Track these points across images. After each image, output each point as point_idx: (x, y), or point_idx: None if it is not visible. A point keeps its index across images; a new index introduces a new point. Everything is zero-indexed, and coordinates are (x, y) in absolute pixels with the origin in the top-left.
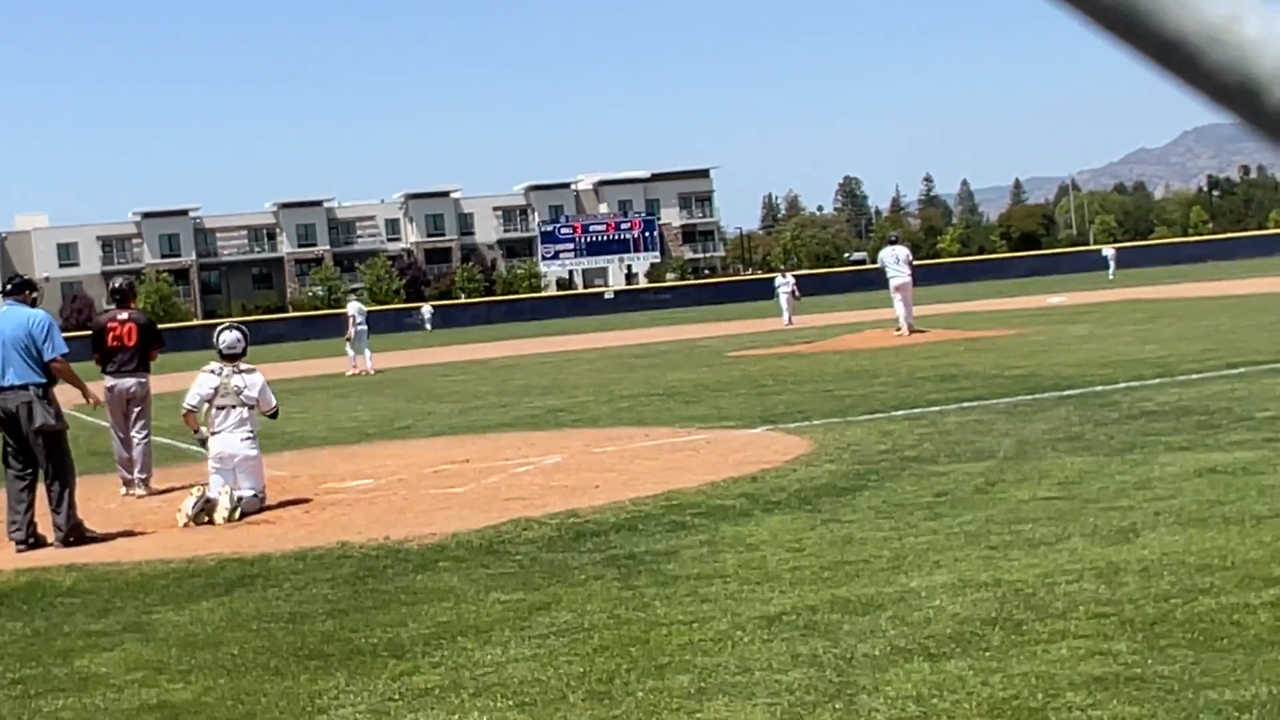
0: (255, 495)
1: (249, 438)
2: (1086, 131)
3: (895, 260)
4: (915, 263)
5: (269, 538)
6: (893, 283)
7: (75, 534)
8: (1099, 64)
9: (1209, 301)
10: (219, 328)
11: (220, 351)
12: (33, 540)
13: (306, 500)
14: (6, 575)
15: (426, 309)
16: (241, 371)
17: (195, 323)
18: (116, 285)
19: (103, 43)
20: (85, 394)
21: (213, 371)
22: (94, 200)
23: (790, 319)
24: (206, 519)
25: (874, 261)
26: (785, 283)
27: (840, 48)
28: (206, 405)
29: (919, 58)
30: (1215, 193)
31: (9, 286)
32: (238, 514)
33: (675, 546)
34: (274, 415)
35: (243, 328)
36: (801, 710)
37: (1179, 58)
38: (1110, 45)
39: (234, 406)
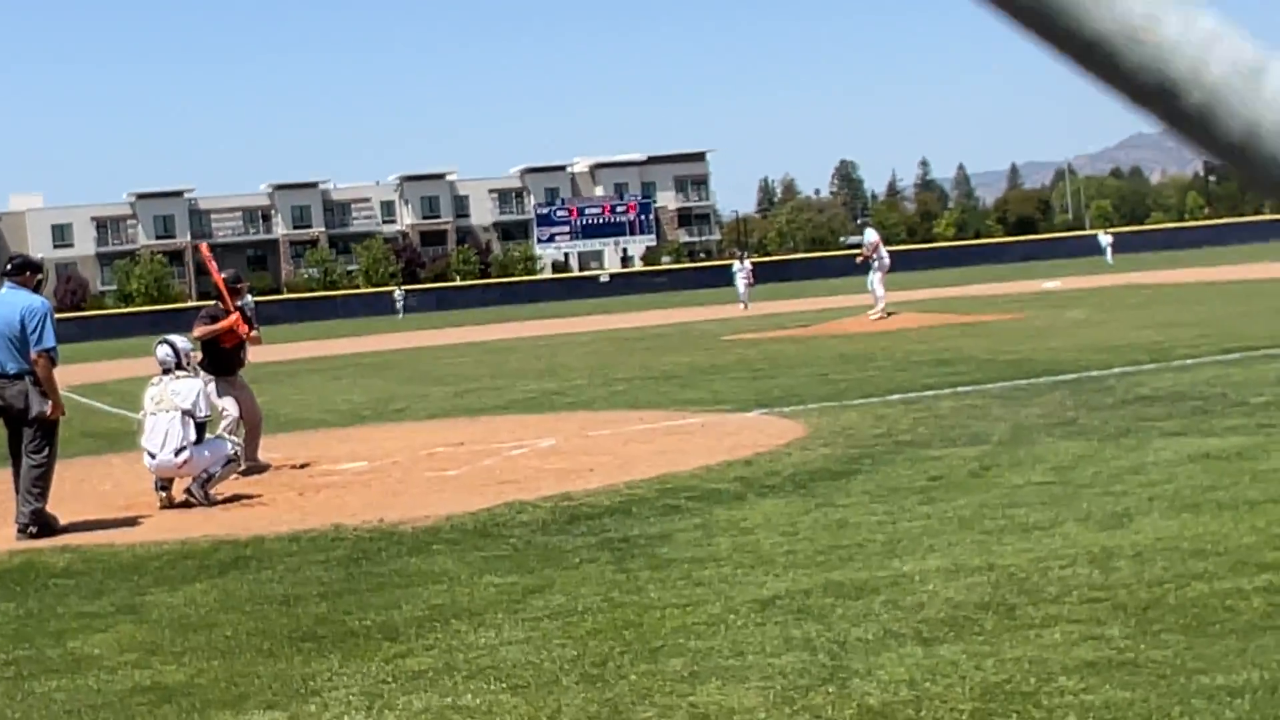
0: (213, 474)
1: (182, 448)
2: (1083, 116)
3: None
4: (912, 247)
5: (263, 520)
6: (886, 265)
7: (39, 522)
8: None
9: (1205, 287)
10: (156, 341)
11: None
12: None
13: (301, 483)
14: (0, 556)
15: (398, 293)
16: (180, 378)
17: (189, 304)
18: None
19: (98, 22)
20: (55, 403)
21: (153, 384)
22: (89, 181)
23: (746, 304)
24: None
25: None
26: (742, 268)
27: (837, 30)
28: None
29: (916, 40)
30: (1212, 178)
31: (9, 267)
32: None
33: (669, 530)
34: (202, 427)
35: (172, 341)
36: (794, 694)
37: (1099, 58)
38: (1031, 44)
39: (168, 411)
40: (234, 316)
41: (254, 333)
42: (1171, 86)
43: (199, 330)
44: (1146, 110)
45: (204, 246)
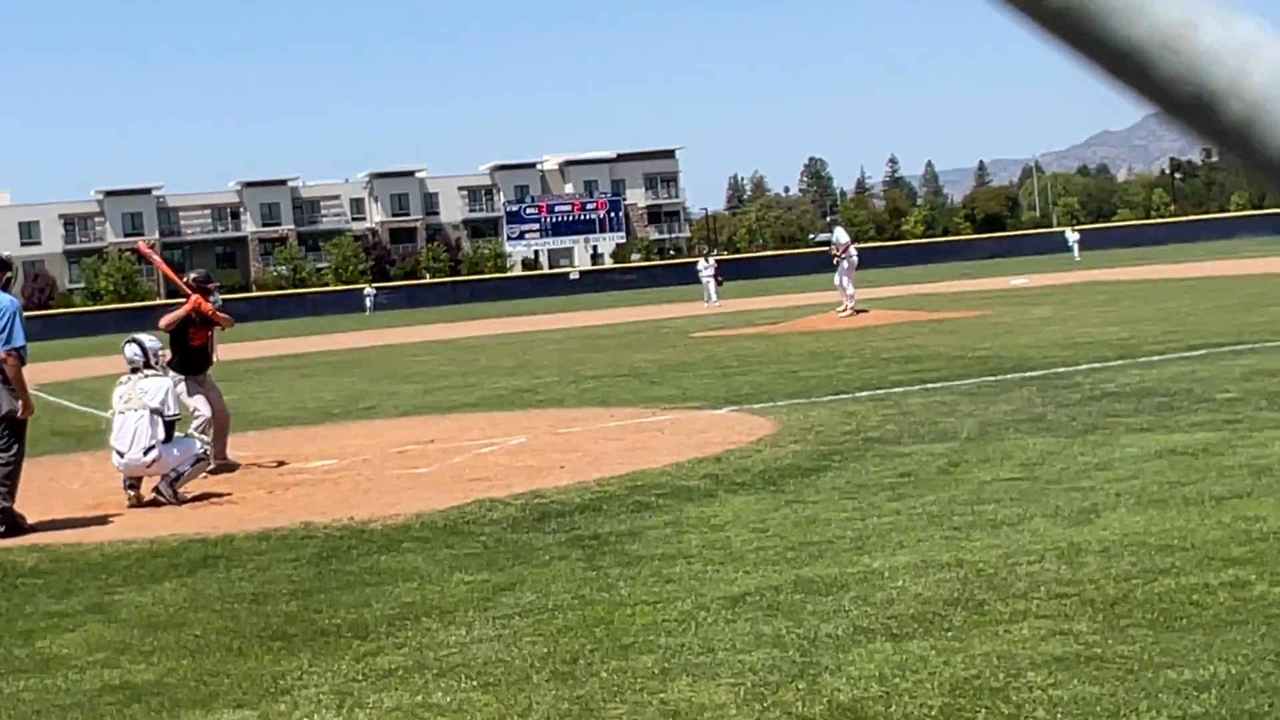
0: (182, 473)
1: (151, 447)
2: (1050, 114)
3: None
4: (880, 244)
5: (232, 518)
6: (855, 263)
7: (6, 521)
8: None
9: (1171, 283)
10: (124, 340)
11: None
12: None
13: (270, 481)
14: None
15: (368, 290)
16: (148, 377)
17: (158, 302)
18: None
19: (64, 18)
20: (25, 402)
21: (121, 383)
22: (57, 178)
23: (711, 301)
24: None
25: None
26: (707, 266)
27: (807, 28)
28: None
29: (885, 38)
30: (1178, 175)
31: None
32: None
33: (639, 527)
34: (171, 425)
35: (140, 340)
36: (765, 690)
37: (1131, 68)
38: (1057, 51)
39: (136, 410)
40: (195, 298)
41: (221, 313)
42: (1209, 98)
43: (165, 321)
44: (1183, 123)
45: (141, 244)
